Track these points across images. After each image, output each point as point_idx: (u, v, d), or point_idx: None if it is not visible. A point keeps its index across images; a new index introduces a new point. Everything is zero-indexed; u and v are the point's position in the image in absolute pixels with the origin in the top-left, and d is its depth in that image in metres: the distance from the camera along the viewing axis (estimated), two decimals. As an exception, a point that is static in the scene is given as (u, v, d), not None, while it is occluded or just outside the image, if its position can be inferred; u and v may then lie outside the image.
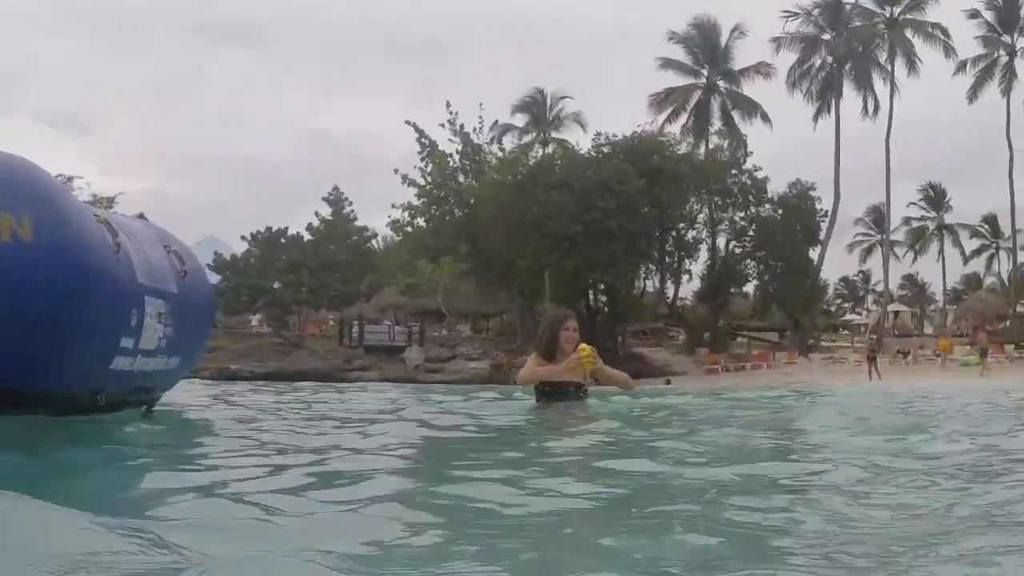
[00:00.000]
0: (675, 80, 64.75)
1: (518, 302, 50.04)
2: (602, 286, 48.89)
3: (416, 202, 47.42)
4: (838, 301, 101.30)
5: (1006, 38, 66.13)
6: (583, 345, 7.87)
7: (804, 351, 54.22)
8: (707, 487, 3.77)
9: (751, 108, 63.86)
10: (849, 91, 64.83)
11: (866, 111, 64.78)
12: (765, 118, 63.61)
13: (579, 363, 7.76)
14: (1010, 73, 65.74)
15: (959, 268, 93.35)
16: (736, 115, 64.11)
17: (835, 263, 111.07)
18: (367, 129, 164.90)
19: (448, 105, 47.52)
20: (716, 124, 63.80)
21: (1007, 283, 79.76)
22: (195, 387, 14.88)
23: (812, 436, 6.63)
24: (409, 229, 48.33)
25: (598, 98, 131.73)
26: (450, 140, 47.96)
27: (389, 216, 48.85)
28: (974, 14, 66.02)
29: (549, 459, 4.94)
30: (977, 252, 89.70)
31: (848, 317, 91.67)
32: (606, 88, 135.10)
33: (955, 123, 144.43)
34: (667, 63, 64.30)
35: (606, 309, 50.03)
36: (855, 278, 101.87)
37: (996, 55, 66.57)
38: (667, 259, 53.00)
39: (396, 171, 47.11)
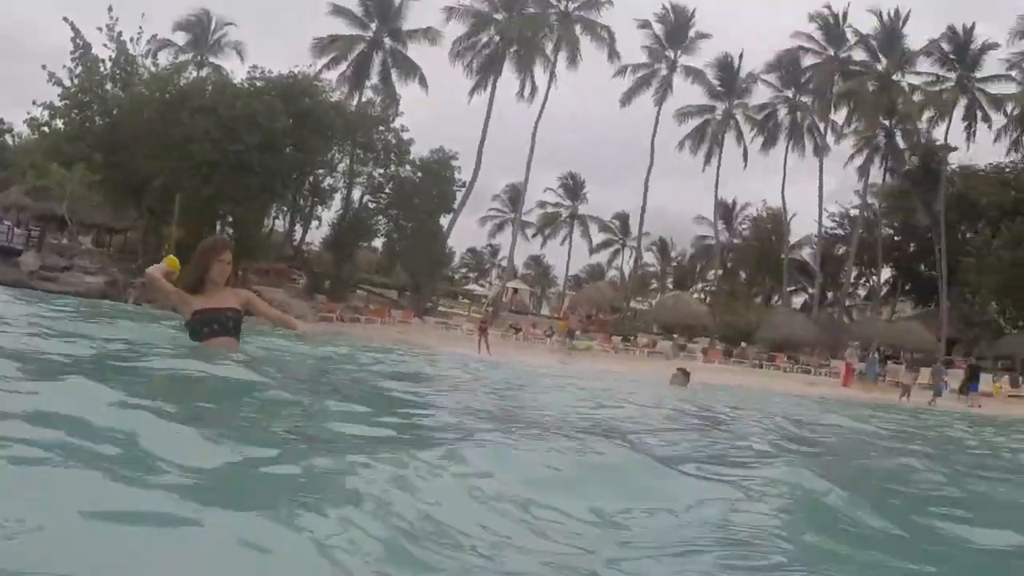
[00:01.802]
0: (343, 28, 68.01)
1: (145, 221, 51.99)
2: (231, 219, 51.47)
3: (59, 103, 47.62)
4: (463, 270, 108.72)
5: (670, 53, 76.22)
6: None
7: (420, 313, 59.16)
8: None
9: (411, 70, 68.31)
10: (509, 72, 71.29)
11: (522, 94, 71.74)
12: (423, 82, 68.39)
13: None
14: (667, 86, 76.00)
15: (584, 258, 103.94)
16: (395, 73, 68.36)
17: (466, 233, 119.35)
18: (21, 13, 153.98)
19: (111, 10, 48.35)
20: (374, 79, 68.04)
21: (627, 279, 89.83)
22: None
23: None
24: (47, 130, 48.39)
25: (263, 31, 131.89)
26: (105, 46, 48.73)
27: (29, 113, 48.73)
28: (644, 24, 75.79)
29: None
30: (604, 245, 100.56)
31: (470, 287, 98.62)
32: (273, 22, 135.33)
33: (606, 122, 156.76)
34: (338, 10, 67.53)
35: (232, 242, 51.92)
36: (483, 250, 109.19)
37: (657, 67, 76.57)
38: (300, 202, 56.78)
39: (44, 67, 47.22)
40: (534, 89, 71.69)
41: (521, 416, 7.64)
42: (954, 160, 71.87)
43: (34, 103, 47.71)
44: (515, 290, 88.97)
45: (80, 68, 48.01)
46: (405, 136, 58.40)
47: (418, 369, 13.17)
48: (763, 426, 9.16)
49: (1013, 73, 64.91)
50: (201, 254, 7.74)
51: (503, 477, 3.59)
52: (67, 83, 47.66)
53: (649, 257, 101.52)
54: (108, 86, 48.97)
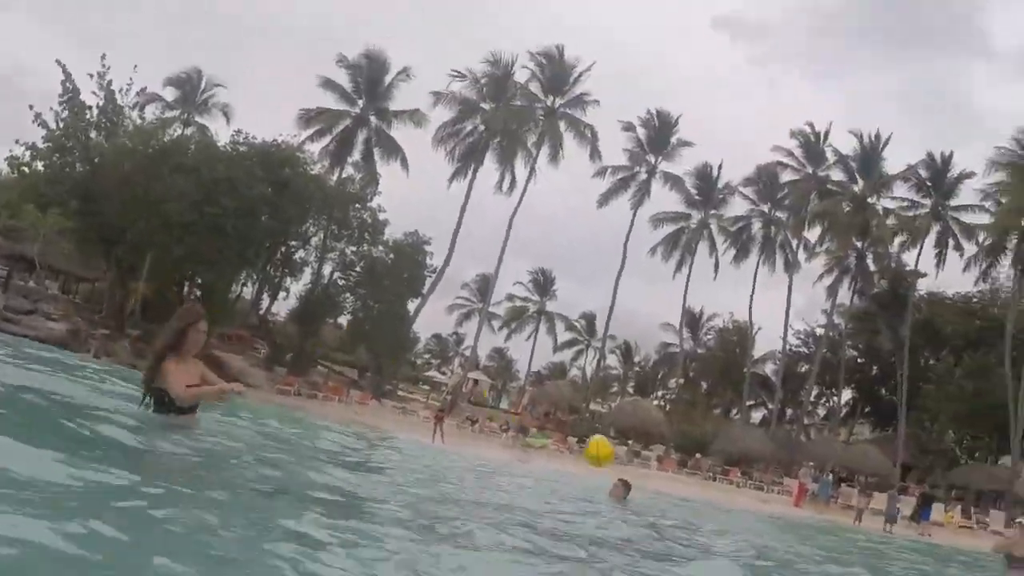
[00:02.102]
0: (331, 102, 68.96)
1: (114, 273, 51.75)
2: (200, 280, 51.68)
3: (41, 145, 47.50)
4: (427, 356, 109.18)
5: (650, 157, 77.70)
6: None
7: (379, 395, 59.40)
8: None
9: (394, 150, 69.10)
10: (490, 163, 72.25)
11: (501, 187, 72.69)
12: (404, 163, 69.10)
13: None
14: (645, 190, 77.41)
15: (548, 355, 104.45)
16: (377, 152, 69.10)
17: (433, 319, 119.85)
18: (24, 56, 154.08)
19: (103, 57, 48.48)
20: (356, 155, 68.71)
21: (588, 380, 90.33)
22: None
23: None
24: (26, 170, 48.01)
25: (252, 95, 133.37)
26: (94, 93, 48.78)
27: (11, 151, 48.41)
28: (628, 127, 77.39)
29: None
30: (568, 344, 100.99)
31: (432, 373, 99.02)
32: (263, 88, 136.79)
33: (582, 220, 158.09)
34: (328, 84, 68.46)
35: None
36: (448, 338, 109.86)
37: (637, 170, 78.08)
38: (271, 271, 57.00)
39: (31, 107, 47.24)
40: (513, 182, 72.64)
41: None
42: (923, 286, 73.71)
43: (16, 142, 47.62)
44: (475, 381, 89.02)
45: (67, 112, 47.97)
46: (381, 216, 58.98)
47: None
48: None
49: (987, 204, 66.34)
50: (180, 320, 7.75)
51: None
52: (52, 126, 47.61)
53: (612, 360, 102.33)
54: (92, 133, 48.99)
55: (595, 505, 15.75)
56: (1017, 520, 22.83)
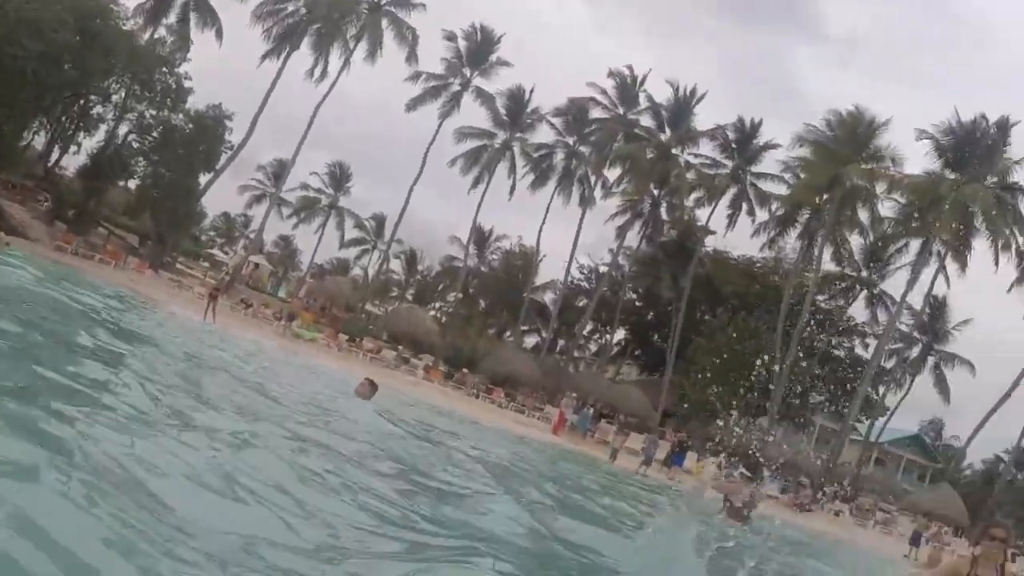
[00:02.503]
0: None
1: None
2: None
3: None
4: (212, 233, 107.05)
5: (467, 71, 78.36)
6: None
7: (156, 266, 58.78)
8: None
9: (211, 18, 67.31)
10: (307, 48, 71.20)
11: (312, 73, 71.90)
12: (219, 34, 67.60)
13: None
14: (455, 102, 77.84)
15: (333, 250, 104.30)
16: (194, 17, 67.07)
17: (223, 198, 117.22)
18: None
19: None
20: (172, 18, 66.50)
21: (369, 281, 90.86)
22: None
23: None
24: None
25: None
26: None
27: None
28: (451, 36, 77.63)
29: None
30: (355, 243, 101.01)
31: (214, 252, 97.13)
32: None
33: (388, 121, 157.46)
34: None
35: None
36: (237, 218, 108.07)
37: (451, 81, 78.41)
38: (65, 123, 55.32)
39: None
40: (325, 71, 72.06)
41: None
42: (710, 243, 77.09)
43: None
44: (256, 265, 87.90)
45: None
46: (187, 83, 58.05)
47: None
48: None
49: (786, 176, 70.02)
50: None
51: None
52: None
53: (396, 265, 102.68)
54: None
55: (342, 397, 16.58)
56: (736, 473, 24.91)
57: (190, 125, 58.83)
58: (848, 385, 69.82)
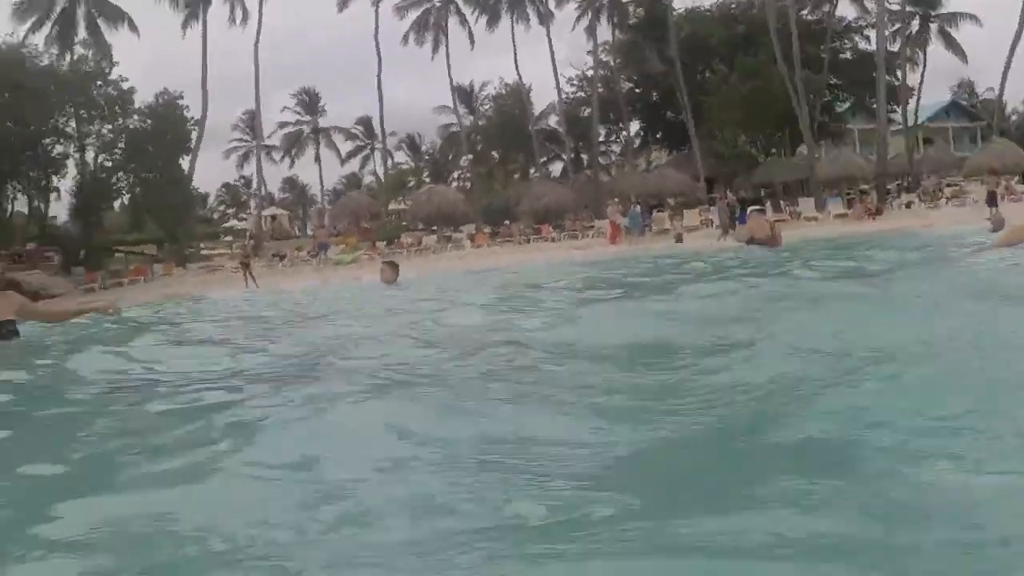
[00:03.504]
0: None
1: None
2: None
3: None
4: (221, 208, 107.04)
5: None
6: None
7: (182, 261, 58.98)
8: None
9: (118, 16, 65.59)
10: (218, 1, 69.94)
11: (234, 19, 70.96)
12: (132, 27, 66.07)
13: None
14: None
15: (337, 170, 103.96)
16: (102, 23, 65.39)
17: (214, 170, 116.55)
18: None
19: None
20: (82, 33, 64.71)
21: (382, 181, 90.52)
22: None
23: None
24: None
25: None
26: None
27: None
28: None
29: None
30: (353, 153, 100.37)
31: (231, 223, 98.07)
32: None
33: (327, 30, 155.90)
34: None
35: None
36: (237, 183, 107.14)
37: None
38: (33, 177, 55.29)
39: None
40: (246, 13, 71.11)
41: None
42: (679, 6, 75.33)
43: None
44: (273, 217, 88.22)
45: None
46: (125, 86, 57.51)
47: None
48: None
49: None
50: None
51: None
52: None
53: (401, 156, 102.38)
54: None
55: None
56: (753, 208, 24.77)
57: (148, 121, 58.46)
58: (866, 82, 68.34)
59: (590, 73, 78.41)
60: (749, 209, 25.54)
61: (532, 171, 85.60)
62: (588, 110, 79.81)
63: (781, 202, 59.05)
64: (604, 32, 76.56)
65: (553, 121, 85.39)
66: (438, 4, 77.71)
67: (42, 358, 8.08)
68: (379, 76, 75.29)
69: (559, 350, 6.78)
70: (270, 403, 5.40)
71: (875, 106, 66.64)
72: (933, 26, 75.47)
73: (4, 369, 7.25)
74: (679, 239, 43.57)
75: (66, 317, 8.73)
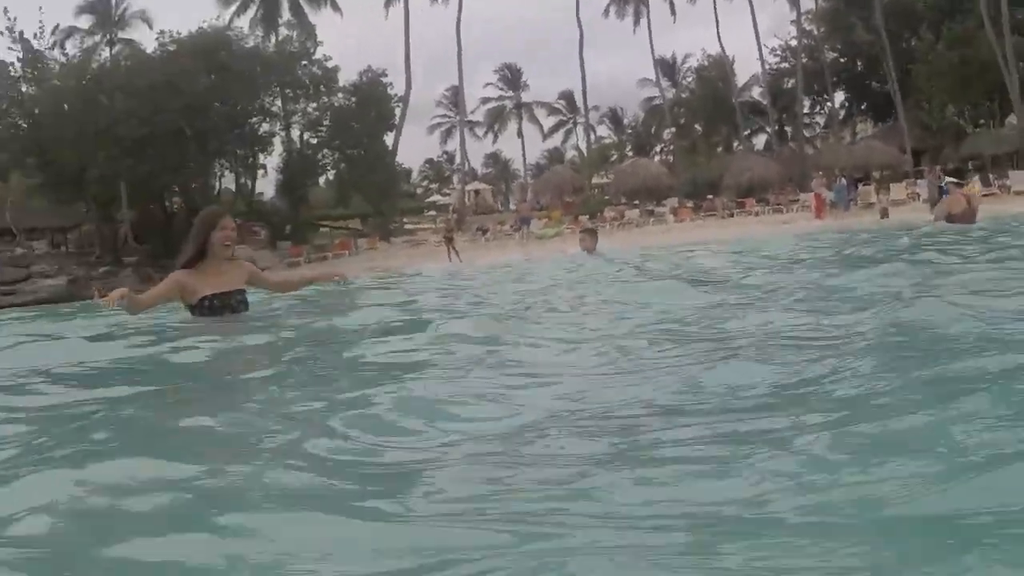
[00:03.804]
0: None
1: (94, 212, 52.66)
2: (178, 188, 52.69)
3: None
4: (425, 183, 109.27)
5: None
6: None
7: (386, 236, 60.27)
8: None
9: (321, -3, 67.88)
10: (421, -24, 70.41)
11: (435, -1, 71.58)
12: (335, 7, 68.74)
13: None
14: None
15: (539, 144, 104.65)
16: (306, 5, 68.29)
17: (417, 146, 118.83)
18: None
19: (6, 11, 48.33)
20: (286, 15, 67.92)
21: (585, 155, 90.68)
22: None
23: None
24: None
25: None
26: (10, 48, 48.74)
27: None
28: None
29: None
30: (556, 128, 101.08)
31: (434, 198, 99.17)
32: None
33: (528, 5, 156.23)
34: None
35: (182, 210, 52.68)
36: (440, 159, 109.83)
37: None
38: (240, 155, 57.61)
39: None
40: (446, -12, 71.70)
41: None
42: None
43: None
44: (476, 192, 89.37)
45: (-11, 77, 47.80)
46: (330, 65, 58.90)
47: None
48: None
49: None
50: (200, 226, 7.28)
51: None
52: None
53: (603, 130, 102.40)
54: (23, 88, 49.07)
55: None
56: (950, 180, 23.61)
57: (352, 99, 59.76)
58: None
59: (793, 43, 76.73)
60: (946, 181, 24.47)
61: (735, 144, 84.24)
62: (792, 81, 78.01)
63: (990, 175, 56.42)
64: (807, 1, 74.50)
65: (756, 93, 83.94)
66: (639, -24, 77.07)
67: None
68: (581, 50, 75.96)
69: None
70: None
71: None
72: None
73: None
74: (885, 214, 42.22)
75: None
